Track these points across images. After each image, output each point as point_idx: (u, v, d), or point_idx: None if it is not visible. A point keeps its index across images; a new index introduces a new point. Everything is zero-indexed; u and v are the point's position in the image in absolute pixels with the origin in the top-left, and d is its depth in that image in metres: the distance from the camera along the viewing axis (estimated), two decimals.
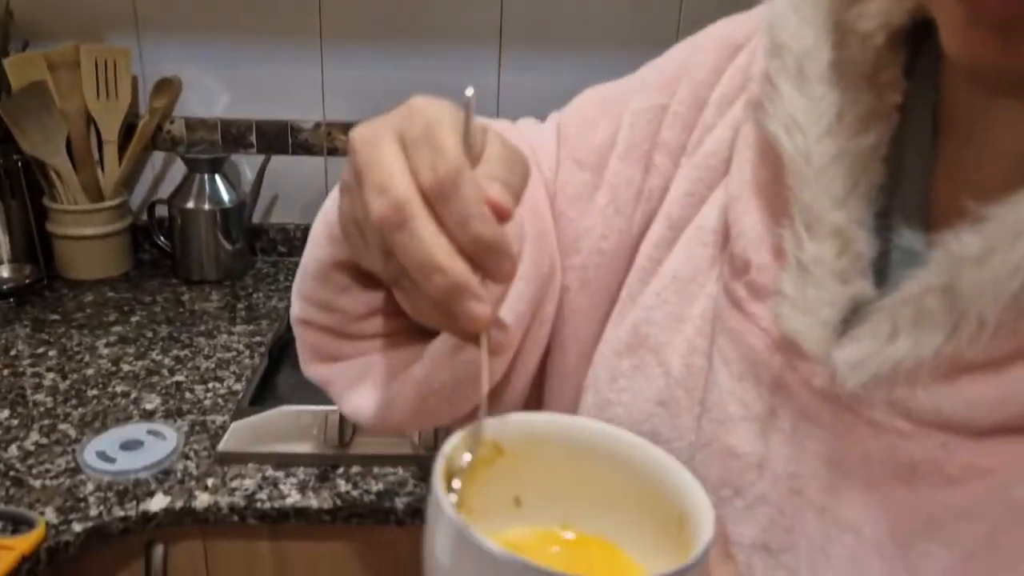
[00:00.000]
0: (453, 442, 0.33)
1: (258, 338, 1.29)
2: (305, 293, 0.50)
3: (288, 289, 1.43)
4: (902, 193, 0.40)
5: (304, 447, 1.01)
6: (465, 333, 0.32)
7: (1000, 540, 0.34)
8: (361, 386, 0.50)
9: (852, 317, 0.38)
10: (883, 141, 0.40)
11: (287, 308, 1.33)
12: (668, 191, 0.49)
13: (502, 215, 0.32)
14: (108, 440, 1.03)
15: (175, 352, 1.24)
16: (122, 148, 1.45)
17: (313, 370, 0.53)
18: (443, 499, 0.29)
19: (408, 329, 0.50)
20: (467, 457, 0.33)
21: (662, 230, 0.48)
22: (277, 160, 1.51)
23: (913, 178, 0.40)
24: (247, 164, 1.53)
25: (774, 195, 0.41)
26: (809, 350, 0.38)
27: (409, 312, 0.41)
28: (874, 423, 0.37)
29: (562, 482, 0.35)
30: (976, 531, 0.34)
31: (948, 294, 0.33)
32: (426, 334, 0.49)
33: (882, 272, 0.39)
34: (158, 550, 0.98)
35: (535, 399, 0.56)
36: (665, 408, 0.45)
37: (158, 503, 0.95)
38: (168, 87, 1.46)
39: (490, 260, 0.32)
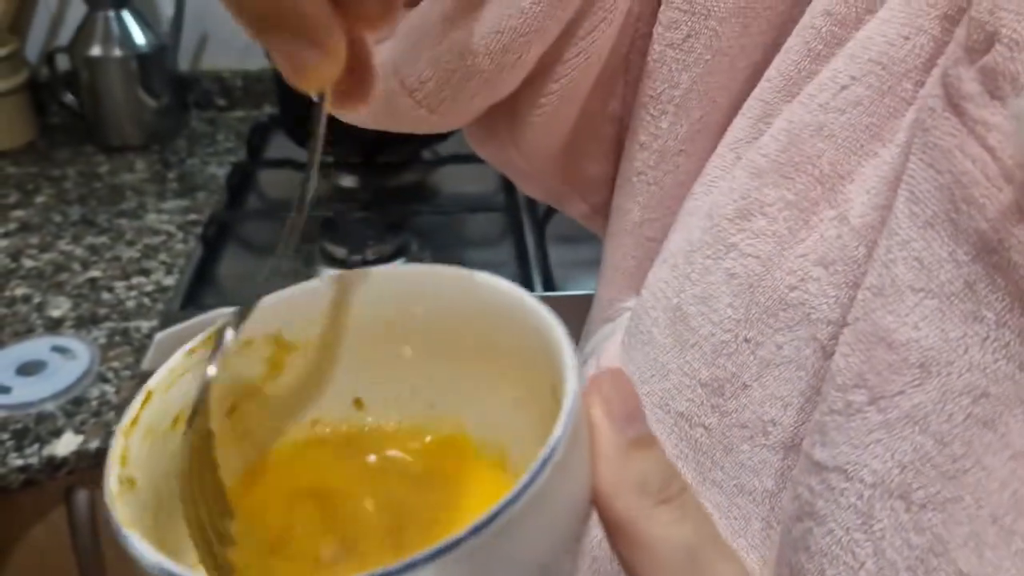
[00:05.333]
0: (172, 366, 0.24)
1: (193, 215, 1.05)
2: None
3: (229, 152, 1.18)
4: None
5: None
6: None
7: None
8: None
9: None
10: None
11: (229, 175, 1.09)
12: None
13: None
14: (2, 362, 0.82)
15: (89, 240, 1.01)
16: None
17: None
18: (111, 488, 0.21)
19: None
20: (211, 372, 0.23)
21: None
22: None
23: None
24: None
25: None
26: None
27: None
28: None
29: (404, 361, 0.28)
30: None
31: None
32: None
33: None
34: (81, 497, 0.78)
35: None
36: (830, 272, 0.33)
37: (67, 445, 0.75)
38: None
39: None
